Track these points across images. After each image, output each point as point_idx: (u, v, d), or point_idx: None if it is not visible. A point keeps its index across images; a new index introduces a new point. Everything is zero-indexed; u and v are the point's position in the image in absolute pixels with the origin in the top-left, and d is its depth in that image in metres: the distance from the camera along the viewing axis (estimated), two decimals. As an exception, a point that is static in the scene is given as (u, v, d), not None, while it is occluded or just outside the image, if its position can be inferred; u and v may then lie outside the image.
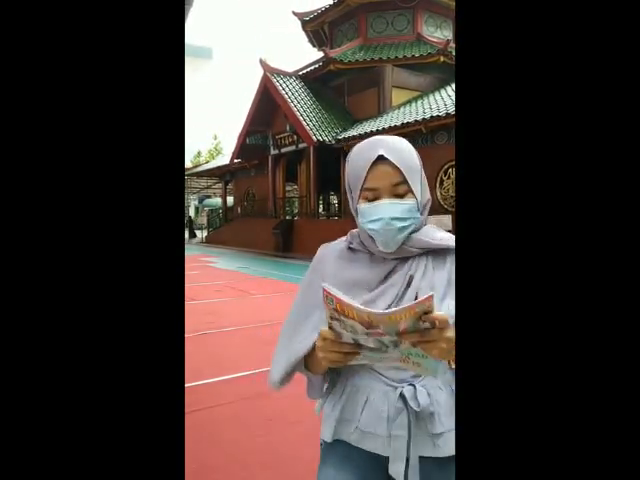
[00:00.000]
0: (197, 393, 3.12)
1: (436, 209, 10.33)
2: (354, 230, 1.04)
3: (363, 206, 0.95)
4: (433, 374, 0.85)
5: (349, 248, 1.03)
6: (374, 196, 0.94)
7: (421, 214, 0.97)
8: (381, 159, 0.93)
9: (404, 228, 0.94)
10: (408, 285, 0.95)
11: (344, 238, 1.07)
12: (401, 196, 0.93)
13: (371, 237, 0.97)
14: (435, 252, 0.98)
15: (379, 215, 0.93)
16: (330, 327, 0.79)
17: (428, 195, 1.00)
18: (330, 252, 1.06)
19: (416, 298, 0.91)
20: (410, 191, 0.94)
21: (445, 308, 0.92)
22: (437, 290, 0.94)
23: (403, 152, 0.95)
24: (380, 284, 0.96)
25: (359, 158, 0.96)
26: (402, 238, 0.95)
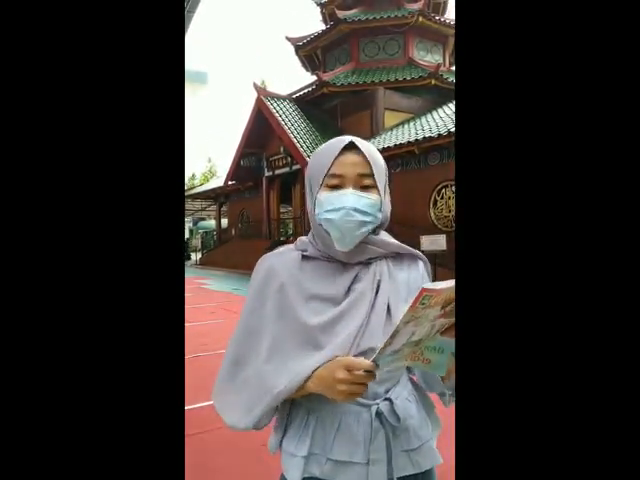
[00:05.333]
0: (189, 418, 3.06)
1: (430, 229, 10.37)
2: (303, 237, 0.98)
3: (324, 194, 0.88)
4: (440, 371, 0.81)
5: (303, 257, 0.94)
6: (339, 183, 0.88)
7: (380, 224, 0.92)
8: (351, 147, 0.89)
9: (364, 223, 0.87)
10: (377, 291, 0.90)
11: (290, 246, 0.98)
12: (365, 188, 0.88)
13: (327, 234, 0.89)
14: (393, 257, 0.95)
15: (341, 204, 0.86)
16: (394, 335, 0.71)
17: (389, 211, 0.94)
18: (280, 263, 0.93)
19: (388, 305, 0.89)
20: (375, 187, 0.89)
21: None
22: (400, 293, 0.91)
23: (373, 148, 0.92)
24: (346, 296, 0.90)
25: (326, 147, 0.91)
26: (360, 235, 0.88)
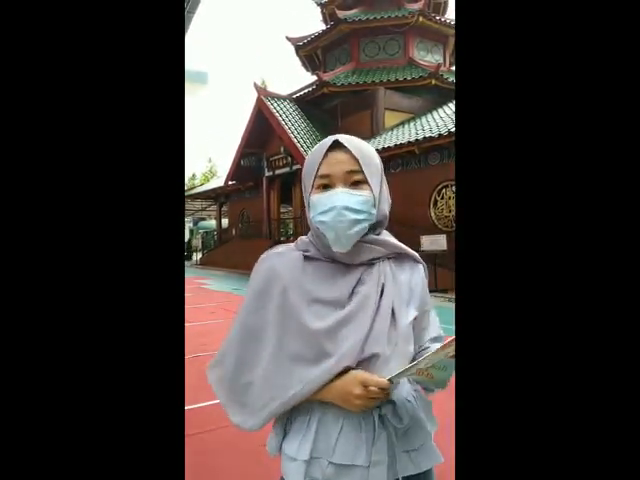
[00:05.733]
0: (189, 418, 3.06)
1: (430, 229, 10.37)
2: (304, 237, 0.96)
3: (315, 196, 0.87)
4: (441, 386, 0.85)
5: (305, 257, 0.92)
6: (328, 183, 0.87)
7: (377, 221, 0.90)
8: (337, 146, 0.88)
9: (357, 222, 0.85)
10: (381, 295, 0.89)
11: (291, 246, 0.96)
12: (356, 185, 0.87)
13: (324, 236, 0.87)
14: (394, 258, 0.94)
15: (332, 204, 0.85)
16: (416, 364, 0.78)
17: (387, 208, 0.93)
18: (282, 264, 0.91)
19: (392, 309, 0.89)
20: (366, 182, 0.87)
21: (411, 315, 0.89)
22: (403, 295, 0.91)
23: (361, 144, 0.90)
24: (350, 299, 0.88)
25: (315, 150, 0.90)
26: (355, 235, 0.86)
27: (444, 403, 1.01)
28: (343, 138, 0.89)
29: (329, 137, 0.90)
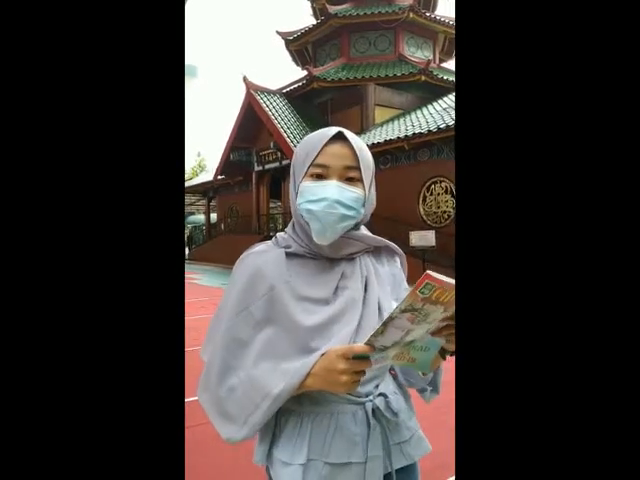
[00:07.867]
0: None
1: (419, 225, 10.41)
2: (282, 233, 0.94)
3: (307, 184, 0.85)
4: (425, 369, 0.81)
5: (287, 254, 0.89)
6: (323, 173, 0.85)
7: (363, 217, 0.90)
8: (339, 138, 0.85)
9: (345, 217, 0.84)
10: (365, 289, 0.89)
11: (269, 244, 0.94)
12: (350, 181, 0.85)
13: (307, 226, 0.86)
14: (372, 252, 0.94)
15: (324, 195, 0.83)
16: (386, 323, 0.69)
17: (371, 210, 0.92)
18: (266, 263, 0.88)
19: (378, 301, 0.89)
20: (360, 180, 0.86)
21: (394, 307, 0.90)
22: (385, 288, 0.91)
23: (361, 142, 0.89)
24: (336, 294, 0.88)
25: (313, 136, 0.88)
26: (340, 230, 0.85)
27: (443, 401, 1.01)
28: (346, 132, 0.87)
29: (331, 127, 0.88)
